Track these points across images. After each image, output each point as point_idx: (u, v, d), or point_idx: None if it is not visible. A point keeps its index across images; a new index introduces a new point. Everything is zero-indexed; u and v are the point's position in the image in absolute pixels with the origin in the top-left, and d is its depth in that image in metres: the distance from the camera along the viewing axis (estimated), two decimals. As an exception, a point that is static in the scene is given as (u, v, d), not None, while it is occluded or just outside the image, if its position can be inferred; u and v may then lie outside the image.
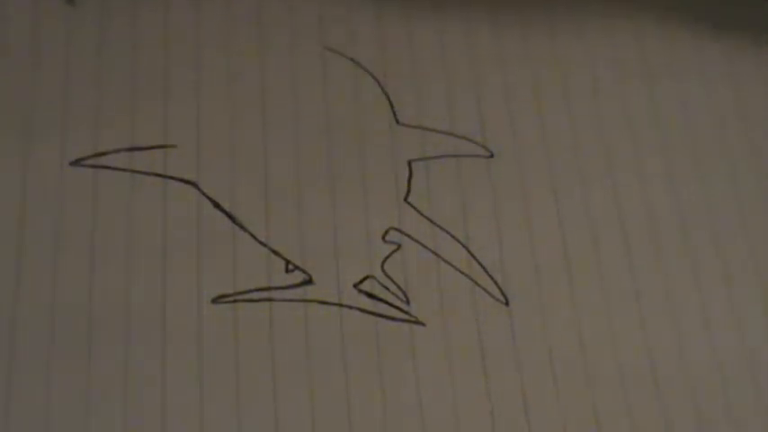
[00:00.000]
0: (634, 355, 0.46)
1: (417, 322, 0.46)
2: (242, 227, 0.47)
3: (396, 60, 0.52)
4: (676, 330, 0.47)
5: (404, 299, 0.46)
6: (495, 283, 0.47)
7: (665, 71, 0.53)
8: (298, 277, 0.46)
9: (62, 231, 0.46)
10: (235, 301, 0.45)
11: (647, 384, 0.45)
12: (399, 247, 0.47)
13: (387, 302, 0.46)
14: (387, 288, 0.47)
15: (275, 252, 0.47)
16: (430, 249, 0.48)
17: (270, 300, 0.46)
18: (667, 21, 0.54)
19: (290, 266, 0.47)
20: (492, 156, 0.50)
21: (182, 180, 0.48)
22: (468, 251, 0.48)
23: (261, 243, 0.47)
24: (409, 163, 0.49)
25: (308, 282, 0.46)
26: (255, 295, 0.46)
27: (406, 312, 0.46)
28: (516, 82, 0.52)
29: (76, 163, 0.48)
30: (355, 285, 0.46)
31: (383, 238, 0.48)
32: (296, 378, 0.44)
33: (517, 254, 0.48)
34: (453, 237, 0.48)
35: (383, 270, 0.47)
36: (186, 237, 0.47)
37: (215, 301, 0.45)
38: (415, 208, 0.48)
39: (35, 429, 0.42)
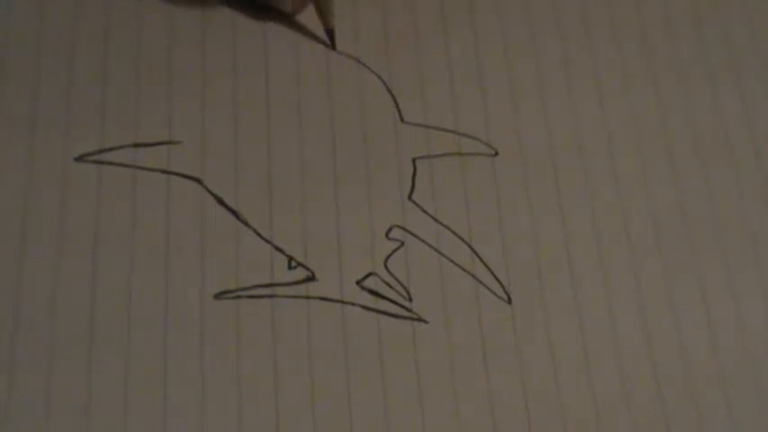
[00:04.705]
0: (635, 354, 0.46)
1: (420, 320, 0.46)
2: (245, 223, 0.47)
3: (400, 59, 0.52)
4: (678, 330, 0.47)
5: (406, 296, 0.46)
6: (498, 281, 0.47)
7: (669, 71, 0.53)
8: (300, 274, 0.46)
9: (66, 226, 0.46)
10: (237, 296, 0.46)
11: (649, 383, 0.45)
12: (402, 244, 0.48)
13: (389, 300, 0.46)
14: (389, 285, 0.47)
15: (278, 248, 0.47)
16: (433, 247, 0.48)
17: (272, 296, 0.46)
18: (672, 21, 0.54)
19: (293, 263, 0.47)
20: (496, 154, 0.50)
21: (186, 176, 0.48)
22: (472, 249, 0.48)
23: (264, 239, 0.47)
24: (413, 161, 0.49)
25: (311, 278, 0.46)
26: (258, 291, 0.46)
27: (408, 310, 0.46)
28: (521, 81, 0.52)
29: (81, 159, 0.48)
30: (358, 282, 0.46)
31: (386, 235, 0.48)
32: (297, 374, 0.44)
33: (520, 252, 0.48)
34: (457, 235, 0.48)
35: (386, 267, 0.47)
36: (190, 232, 0.47)
37: (217, 296, 0.45)
38: (418, 206, 0.48)
39: (37, 424, 0.43)
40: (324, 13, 0.51)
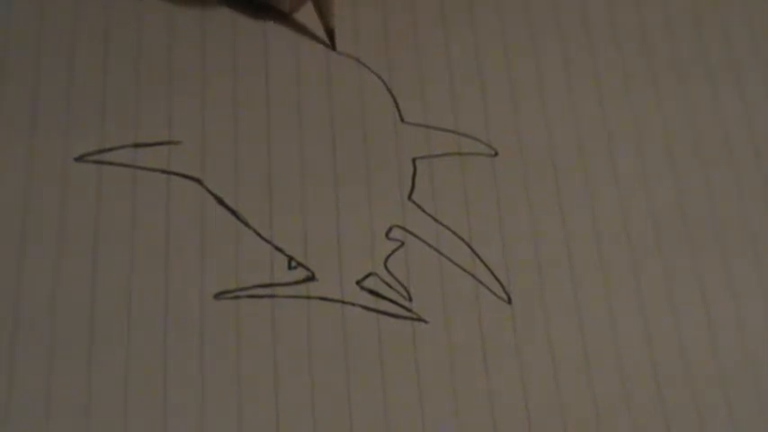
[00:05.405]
0: (636, 354, 0.46)
1: (420, 320, 0.46)
2: (245, 223, 0.47)
3: (400, 59, 0.52)
4: (678, 330, 0.47)
5: (406, 296, 0.46)
6: (498, 281, 0.47)
7: (669, 71, 0.53)
8: (300, 274, 0.46)
9: (66, 226, 0.46)
10: (237, 296, 0.46)
11: (649, 383, 0.45)
12: (402, 244, 0.48)
13: (389, 300, 0.46)
14: (389, 285, 0.47)
15: (278, 248, 0.47)
16: (433, 247, 0.48)
17: (272, 296, 0.46)
18: (672, 21, 0.54)
19: (293, 263, 0.47)
20: (496, 154, 0.50)
21: (186, 176, 0.48)
22: (472, 249, 0.48)
23: (264, 239, 0.47)
24: (413, 161, 0.49)
25: (311, 278, 0.46)
26: (258, 291, 0.46)
27: (408, 310, 0.46)
28: (521, 81, 0.52)
29: (81, 159, 0.48)
30: (358, 282, 0.46)
31: (386, 235, 0.48)
32: (297, 374, 0.44)
33: (520, 252, 0.48)
34: (456, 235, 0.48)
35: (386, 267, 0.47)
36: (189, 233, 0.47)
37: (217, 296, 0.45)
38: (418, 206, 0.48)
39: (37, 424, 0.43)
40: (324, 13, 0.51)
